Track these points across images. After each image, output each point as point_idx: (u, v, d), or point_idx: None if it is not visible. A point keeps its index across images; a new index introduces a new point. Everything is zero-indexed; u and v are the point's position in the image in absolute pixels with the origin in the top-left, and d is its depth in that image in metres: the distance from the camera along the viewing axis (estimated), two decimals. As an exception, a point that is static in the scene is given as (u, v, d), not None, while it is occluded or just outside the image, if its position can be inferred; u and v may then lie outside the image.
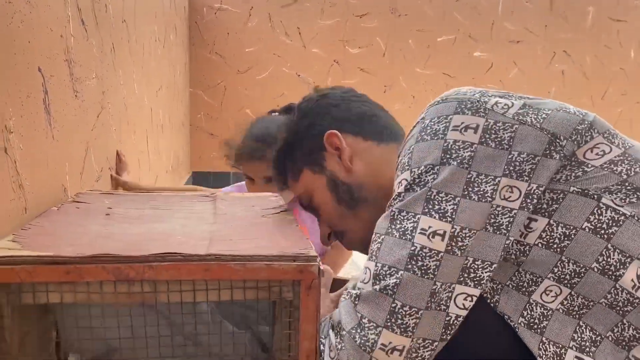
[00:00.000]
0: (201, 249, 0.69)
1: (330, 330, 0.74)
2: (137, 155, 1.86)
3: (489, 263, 0.70)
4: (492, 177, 0.70)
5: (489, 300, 0.72)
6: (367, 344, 0.70)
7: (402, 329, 0.69)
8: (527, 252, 0.71)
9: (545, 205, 0.70)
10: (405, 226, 0.71)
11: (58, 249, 0.66)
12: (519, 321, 0.71)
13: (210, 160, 3.52)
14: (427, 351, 0.71)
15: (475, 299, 0.70)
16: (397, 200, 0.73)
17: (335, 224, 0.93)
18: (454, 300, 0.70)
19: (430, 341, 0.70)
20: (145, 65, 1.96)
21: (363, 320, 0.71)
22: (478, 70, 3.49)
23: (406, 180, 0.73)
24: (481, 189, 0.70)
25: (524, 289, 0.72)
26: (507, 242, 0.70)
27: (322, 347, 0.74)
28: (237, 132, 1.44)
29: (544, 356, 0.70)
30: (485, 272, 0.70)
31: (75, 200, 0.97)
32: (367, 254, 0.91)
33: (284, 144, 0.95)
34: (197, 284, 0.68)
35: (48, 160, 0.98)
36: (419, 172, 0.72)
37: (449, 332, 0.70)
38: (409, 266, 0.69)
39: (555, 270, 0.71)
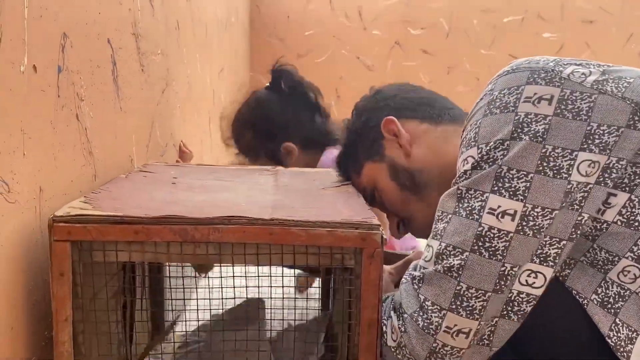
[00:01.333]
0: (265, 214, 0.69)
1: (393, 312, 0.72)
2: (200, 135, 1.90)
3: (558, 240, 0.66)
4: (569, 150, 0.65)
5: (557, 275, 0.69)
6: (430, 326, 0.67)
7: (469, 312, 0.66)
8: (604, 230, 0.67)
9: (627, 180, 0.65)
10: (472, 205, 0.68)
11: (127, 211, 0.67)
12: (592, 298, 0.67)
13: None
14: (487, 328, 0.68)
15: (541, 277, 0.67)
16: (464, 178, 0.70)
17: (401, 211, 0.92)
18: (519, 278, 0.67)
19: (492, 319, 0.67)
20: (207, 46, 1.99)
21: (426, 303, 0.68)
22: (547, 52, 3.31)
23: (473, 157, 0.69)
24: (557, 164, 0.65)
25: (599, 266, 0.68)
26: (580, 218, 0.66)
27: (384, 329, 0.72)
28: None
29: (614, 337, 0.66)
30: (553, 249, 0.66)
31: (142, 170, 1.00)
32: None
33: (346, 144, 0.97)
34: (260, 247, 0.68)
35: (116, 131, 1.01)
36: (488, 148, 0.68)
37: (510, 309, 0.67)
38: (475, 247, 0.66)
39: (635, 249, 0.66)
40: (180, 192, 0.83)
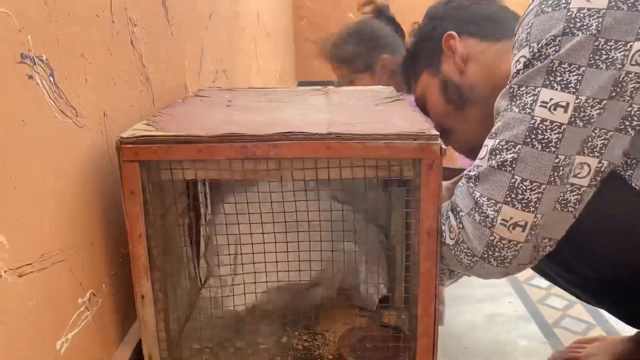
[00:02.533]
0: (321, 130, 0.70)
1: (450, 212, 0.74)
2: (247, 60, 1.89)
3: (605, 131, 0.66)
4: (623, 42, 0.64)
5: (622, 173, 0.69)
6: (487, 219, 0.69)
7: (524, 205, 0.67)
8: None
9: None
10: (524, 101, 0.68)
11: (189, 131, 0.69)
12: None
13: (314, 69, 3.51)
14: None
15: (586, 168, 0.67)
16: (516, 77, 0.70)
17: (443, 122, 0.95)
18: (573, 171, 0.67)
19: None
20: (249, -32, 1.94)
21: (481, 199, 0.69)
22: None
23: (525, 57, 0.69)
24: (610, 57, 0.64)
25: None
26: (629, 109, 0.65)
27: (443, 228, 0.74)
28: (336, 32, 1.58)
29: None
30: (600, 140, 0.66)
31: (198, 95, 1.01)
32: (471, 157, 0.90)
33: (410, 50, 1.00)
34: (319, 162, 0.69)
35: (169, 57, 1.02)
36: (539, 46, 0.68)
37: (558, 199, 0.67)
38: (528, 140, 0.67)
39: None
40: (236, 113, 0.84)
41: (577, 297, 0.93)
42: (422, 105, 0.97)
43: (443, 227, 0.74)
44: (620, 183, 0.68)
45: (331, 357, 0.85)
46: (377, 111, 0.86)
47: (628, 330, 0.98)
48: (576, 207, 0.68)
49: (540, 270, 0.92)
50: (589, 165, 0.67)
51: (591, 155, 0.67)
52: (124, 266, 0.78)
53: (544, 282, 1.31)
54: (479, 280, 1.32)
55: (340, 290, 0.93)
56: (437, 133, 0.68)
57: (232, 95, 1.02)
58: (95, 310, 0.70)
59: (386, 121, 0.77)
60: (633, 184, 0.68)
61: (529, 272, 1.36)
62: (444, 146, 0.68)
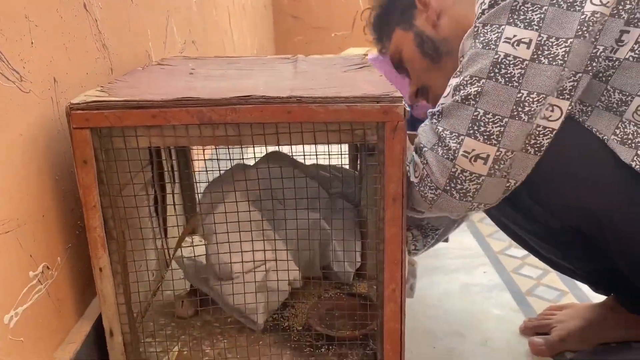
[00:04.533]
0: (283, 94, 0.67)
1: (414, 154, 0.74)
2: (221, 35, 1.85)
3: (573, 72, 0.66)
4: None
5: (577, 118, 0.70)
6: (449, 152, 0.68)
7: (486, 137, 0.67)
8: (617, 67, 0.68)
9: (639, 15, 0.65)
10: (489, 37, 0.68)
11: (143, 96, 0.66)
12: (611, 137, 0.68)
13: (294, 45, 3.46)
14: (507, 161, 0.68)
15: (557, 110, 0.67)
16: (480, 17, 0.70)
17: (421, 79, 0.95)
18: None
19: (511, 151, 0.68)
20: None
21: (444, 133, 0.69)
22: None
23: None
24: None
25: (614, 109, 0.69)
26: (595, 50, 0.65)
27: (407, 169, 0.74)
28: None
29: (638, 166, 0.67)
30: (569, 83, 0.66)
31: (160, 64, 0.98)
32: None
33: (382, 6, 0.99)
34: (280, 127, 0.67)
35: (130, 24, 0.98)
36: None
37: (528, 142, 0.67)
38: (492, 74, 0.67)
39: None
40: (198, 81, 0.81)
41: (544, 257, 0.93)
42: (398, 62, 0.96)
43: (408, 168, 0.74)
44: (575, 124, 0.70)
45: (300, 327, 0.84)
46: (343, 77, 0.84)
47: (600, 299, 0.98)
48: (542, 147, 0.68)
49: (505, 226, 0.92)
50: (560, 108, 0.67)
51: (561, 97, 0.66)
52: (82, 239, 0.76)
53: (519, 252, 1.31)
54: (454, 251, 1.32)
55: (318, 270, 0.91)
56: (401, 95, 0.66)
57: (196, 63, 0.99)
58: (50, 284, 0.68)
59: (351, 86, 0.75)
60: (586, 125, 0.70)
61: (504, 242, 1.36)
62: (407, 108, 0.66)
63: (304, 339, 0.81)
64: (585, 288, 1.13)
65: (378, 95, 0.66)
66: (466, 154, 0.68)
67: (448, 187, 0.69)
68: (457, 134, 0.68)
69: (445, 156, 0.69)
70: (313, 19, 3.47)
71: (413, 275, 1.00)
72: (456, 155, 0.68)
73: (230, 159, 0.82)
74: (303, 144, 0.69)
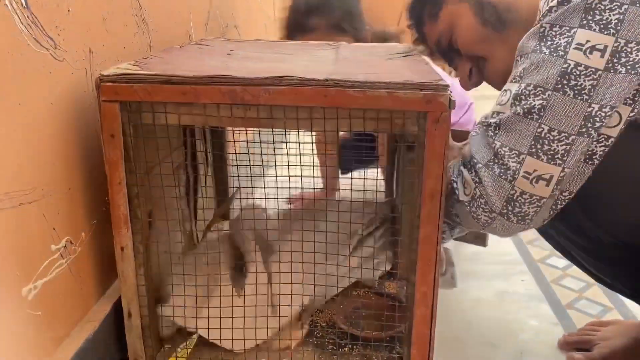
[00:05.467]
0: (320, 77, 0.64)
1: (462, 168, 0.68)
2: (264, 21, 1.83)
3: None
4: None
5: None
6: (507, 172, 0.62)
7: (550, 156, 0.61)
8: None
9: None
10: (557, 42, 0.61)
11: (175, 72, 0.64)
12: None
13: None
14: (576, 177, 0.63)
15: (617, 117, 0.60)
16: (548, 15, 0.62)
17: (478, 50, 0.82)
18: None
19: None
20: None
21: (502, 149, 0.63)
22: None
23: None
24: None
25: None
26: None
27: (455, 186, 0.68)
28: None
29: None
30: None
31: (199, 43, 0.96)
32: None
33: None
34: (314, 112, 0.63)
35: (172, 1, 0.96)
36: None
37: (591, 153, 0.61)
38: (559, 86, 0.60)
39: None
40: (235, 61, 0.78)
41: (589, 272, 0.87)
42: (448, 40, 0.84)
43: (455, 184, 0.68)
44: (636, 135, 0.62)
45: (324, 324, 0.81)
46: (386, 64, 0.79)
47: (647, 316, 0.92)
48: (600, 159, 0.62)
49: (553, 239, 0.86)
50: (619, 114, 0.60)
51: (624, 103, 0.60)
52: (108, 216, 0.74)
53: (560, 262, 1.24)
54: (491, 256, 1.26)
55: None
56: (447, 84, 0.62)
57: (236, 46, 0.96)
58: (72, 260, 0.66)
59: (393, 72, 0.70)
60: None
61: (545, 250, 1.30)
62: (453, 98, 0.61)
63: (328, 336, 0.78)
64: (631, 305, 1.05)
65: (421, 82, 0.62)
66: (527, 175, 0.62)
67: (505, 211, 0.64)
68: (517, 152, 0.62)
69: (504, 176, 0.63)
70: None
71: (451, 264, 0.94)
72: (516, 176, 0.62)
73: (267, 142, 0.79)
74: (337, 131, 0.65)
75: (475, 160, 0.66)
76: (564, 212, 0.65)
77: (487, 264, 1.24)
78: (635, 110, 0.60)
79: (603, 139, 0.61)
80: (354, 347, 0.75)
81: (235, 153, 1.05)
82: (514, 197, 0.63)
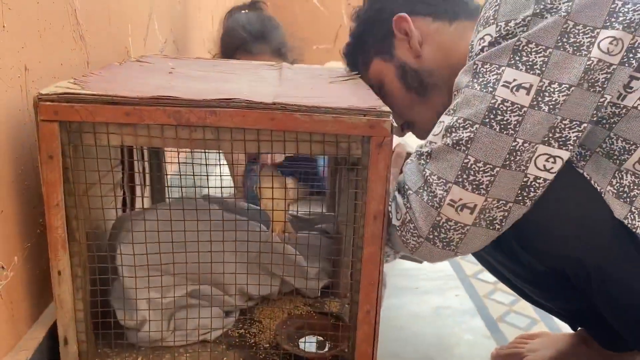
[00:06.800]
0: (267, 99, 0.64)
1: (397, 193, 0.70)
2: (202, 35, 1.81)
3: (578, 123, 0.62)
4: (591, 28, 0.61)
5: (574, 164, 0.66)
6: (434, 199, 0.65)
7: (475, 186, 0.64)
8: (623, 115, 0.63)
9: None
10: (487, 79, 0.64)
11: (118, 91, 0.63)
12: (607, 189, 0.64)
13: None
14: (499, 212, 0.65)
15: (559, 162, 0.63)
16: (480, 54, 0.66)
17: (405, 114, 0.90)
18: (534, 161, 0.63)
19: (504, 202, 0.64)
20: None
21: (432, 177, 0.66)
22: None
23: (490, 35, 0.66)
24: (577, 41, 0.61)
25: (614, 157, 0.65)
26: (602, 100, 0.62)
27: (389, 209, 0.70)
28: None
29: (630, 225, 0.63)
30: (573, 133, 0.62)
31: (139, 60, 0.94)
32: None
33: (356, 34, 0.92)
34: (261, 134, 0.64)
35: (110, 17, 0.94)
36: (507, 26, 0.64)
37: (526, 194, 0.64)
38: (487, 120, 0.63)
39: None
40: (178, 80, 0.78)
41: (524, 295, 0.91)
42: (378, 92, 0.87)
43: (389, 207, 0.70)
44: (571, 171, 0.66)
45: (267, 345, 0.80)
46: (329, 88, 0.81)
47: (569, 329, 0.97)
48: (537, 198, 0.65)
49: (488, 263, 0.90)
50: (561, 159, 0.63)
51: (564, 148, 0.63)
52: (43, 238, 0.71)
53: (491, 277, 1.30)
54: (425, 272, 1.30)
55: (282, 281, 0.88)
56: (389, 110, 0.64)
57: (176, 63, 0.95)
58: (4, 285, 0.63)
59: (337, 96, 0.72)
60: (585, 174, 0.65)
61: (477, 266, 1.35)
62: (394, 123, 0.64)
63: (271, 357, 0.77)
64: (555, 319, 1.12)
65: (365, 108, 0.64)
66: (452, 203, 0.64)
67: (431, 236, 0.66)
68: (444, 181, 0.64)
69: (430, 203, 0.65)
70: (297, 30, 3.45)
71: (383, 284, 0.96)
72: (442, 204, 0.64)
73: (205, 164, 0.79)
74: (285, 154, 0.66)
75: (407, 187, 0.68)
76: (498, 240, 0.68)
77: (422, 279, 1.27)
78: (572, 156, 0.64)
79: (547, 182, 0.64)
80: (298, 367, 0.76)
81: (171, 174, 1.04)
82: (440, 224, 0.65)
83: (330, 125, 0.63)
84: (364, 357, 0.70)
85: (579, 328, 0.94)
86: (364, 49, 0.90)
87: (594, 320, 0.86)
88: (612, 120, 0.64)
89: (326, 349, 0.77)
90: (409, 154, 0.87)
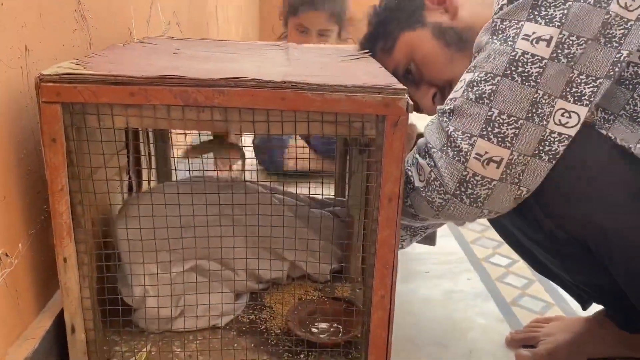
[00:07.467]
0: (276, 79, 0.62)
1: (417, 156, 0.69)
2: (206, 18, 1.78)
3: (594, 78, 0.62)
4: None
5: (598, 127, 0.66)
6: (460, 154, 0.64)
7: (500, 139, 0.63)
8: None
9: None
10: (507, 34, 0.65)
11: (122, 71, 0.60)
12: (637, 146, 0.64)
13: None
14: (521, 167, 0.64)
15: (575, 117, 0.63)
16: (499, 12, 0.66)
17: (446, 72, 0.85)
18: (553, 116, 0.63)
19: (523, 156, 0.64)
20: None
21: (455, 133, 0.65)
22: None
23: None
24: None
25: (639, 120, 0.64)
26: (618, 55, 0.62)
27: (409, 174, 0.69)
28: None
29: None
30: (588, 88, 0.62)
31: (142, 41, 0.91)
32: None
33: (377, 23, 0.90)
34: (271, 114, 0.61)
35: (112, -3, 0.91)
36: None
37: (542, 148, 0.63)
38: (508, 72, 0.63)
39: None
40: (183, 61, 0.75)
41: (542, 268, 0.89)
42: (407, 66, 0.86)
43: (410, 172, 0.70)
44: (594, 133, 0.66)
45: (279, 330, 0.79)
46: (340, 67, 0.79)
47: (587, 313, 0.95)
48: (557, 154, 0.64)
49: (509, 233, 0.88)
50: (577, 115, 0.63)
51: (579, 103, 0.63)
52: (47, 225, 0.69)
53: (503, 260, 1.28)
54: (437, 256, 1.28)
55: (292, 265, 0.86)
56: (405, 87, 0.61)
57: (181, 44, 0.93)
58: (8, 273, 0.61)
59: (349, 75, 0.70)
60: (610, 135, 0.65)
61: (488, 249, 1.33)
62: (410, 102, 0.61)
63: (283, 343, 0.76)
64: (571, 301, 1.10)
65: (380, 85, 0.61)
66: (478, 157, 0.64)
67: (458, 192, 0.65)
68: (469, 135, 0.64)
69: (456, 158, 0.65)
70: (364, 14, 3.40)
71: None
72: (468, 157, 0.64)
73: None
74: (296, 134, 0.63)
75: (430, 145, 0.67)
76: (520, 206, 0.67)
77: (434, 263, 1.25)
78: (593, 111, 0.63)
79: (565, 138, 0.63)
80: (310, 354, 0.74)
81: (179, 157, 1.02)
82: (467, 179, 0.65)
83: (343, 104, 0.60)
84: (379, 343, 0.68)
85: (596, 312, 0.92)
86: (387, 31, 0.88)
87: (612, 298, 0.84)
88: (635, 81, 0.64)
89: (340, 335, 0.76)
90: (419, 136, 0.85)
